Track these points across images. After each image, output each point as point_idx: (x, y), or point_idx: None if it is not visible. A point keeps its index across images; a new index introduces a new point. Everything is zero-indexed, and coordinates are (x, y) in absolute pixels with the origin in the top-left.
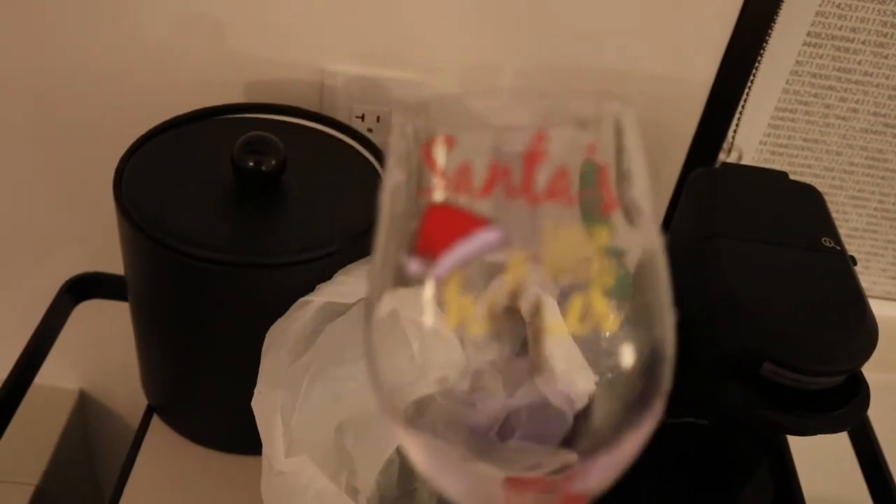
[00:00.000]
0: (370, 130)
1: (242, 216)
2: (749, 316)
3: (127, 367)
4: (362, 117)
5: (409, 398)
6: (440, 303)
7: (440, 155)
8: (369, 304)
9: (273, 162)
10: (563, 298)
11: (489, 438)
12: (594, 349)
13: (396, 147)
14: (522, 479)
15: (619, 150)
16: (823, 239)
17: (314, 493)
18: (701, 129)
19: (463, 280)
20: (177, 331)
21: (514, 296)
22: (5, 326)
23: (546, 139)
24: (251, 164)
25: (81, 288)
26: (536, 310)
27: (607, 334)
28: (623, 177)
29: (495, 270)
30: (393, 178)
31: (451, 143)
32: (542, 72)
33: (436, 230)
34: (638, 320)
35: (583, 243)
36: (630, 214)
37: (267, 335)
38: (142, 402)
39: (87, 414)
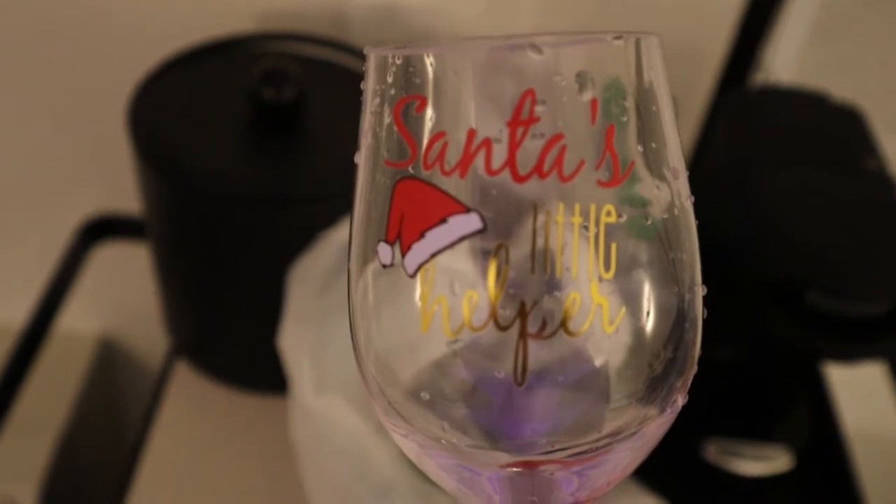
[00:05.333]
0: None
1: (261, 150)
2: (792, 242)
3: (147, 309)
4: None
5: (415, 363)
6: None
7: (413, 120)
8: (357, 260)
9: (292, 93)
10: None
11: (512, 395)
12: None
13: (371, 101)
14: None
15: (641, 89)
16: (867, 161)
17: (344, 430)
18: (732, 48)
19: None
20: (198, 269)
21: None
22: (21, 272)
23: (535, 101)
24: (269, 95)
25: (97, 229)
26: (564, 250)
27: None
28: (647, 124)
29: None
30: (366, 141)
31: (422, 106)
32: None
33: (405, 211)
34: (664, 280)
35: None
36: (654, 167)
37: (292, 271)
38: (164, 343)
39: (109, 358)
